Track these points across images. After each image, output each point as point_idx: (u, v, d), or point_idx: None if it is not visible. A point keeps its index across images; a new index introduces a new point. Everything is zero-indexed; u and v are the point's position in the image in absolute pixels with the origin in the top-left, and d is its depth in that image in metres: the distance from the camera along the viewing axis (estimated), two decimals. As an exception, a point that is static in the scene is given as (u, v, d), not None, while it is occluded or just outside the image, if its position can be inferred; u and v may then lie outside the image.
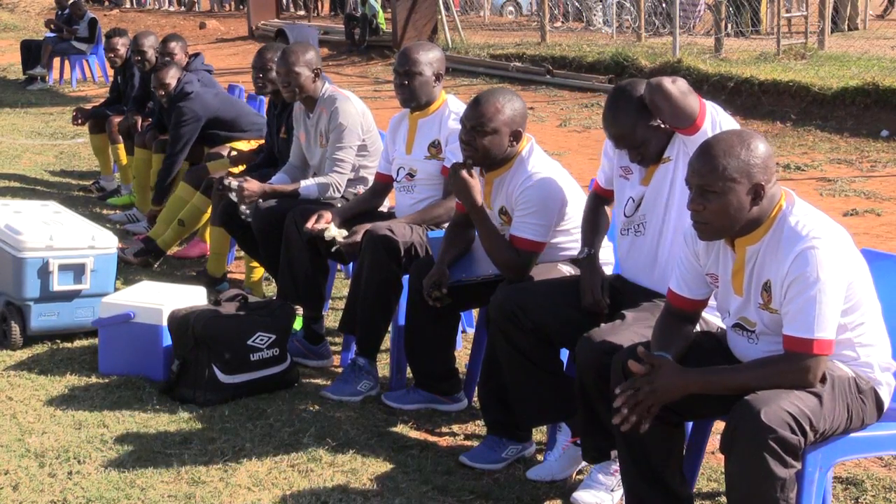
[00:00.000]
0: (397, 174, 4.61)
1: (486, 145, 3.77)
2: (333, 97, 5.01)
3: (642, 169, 3.51)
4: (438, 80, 4.49)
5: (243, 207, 4.97)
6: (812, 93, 10.59)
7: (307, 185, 4.94)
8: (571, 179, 3.94)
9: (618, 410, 2.91)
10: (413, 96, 4.46)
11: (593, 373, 3.22)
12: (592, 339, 3.25)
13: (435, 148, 4.47)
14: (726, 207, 2.84)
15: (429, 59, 4.44)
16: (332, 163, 4.95)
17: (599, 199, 3.77)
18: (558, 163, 3.95)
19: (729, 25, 14.94)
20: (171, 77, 6.61)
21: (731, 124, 3.27)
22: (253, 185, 4.98)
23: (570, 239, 3.88)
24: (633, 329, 3.26)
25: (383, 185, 4.76)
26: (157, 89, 6.65)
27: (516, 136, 3.81)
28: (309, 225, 4.47)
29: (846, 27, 16.89)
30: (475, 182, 3.77)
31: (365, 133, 5.02)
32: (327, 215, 4.51)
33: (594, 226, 3.73)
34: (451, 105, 4.51)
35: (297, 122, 5.26)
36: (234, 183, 5.00)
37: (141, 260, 6.21)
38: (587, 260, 3.64)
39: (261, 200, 4.93)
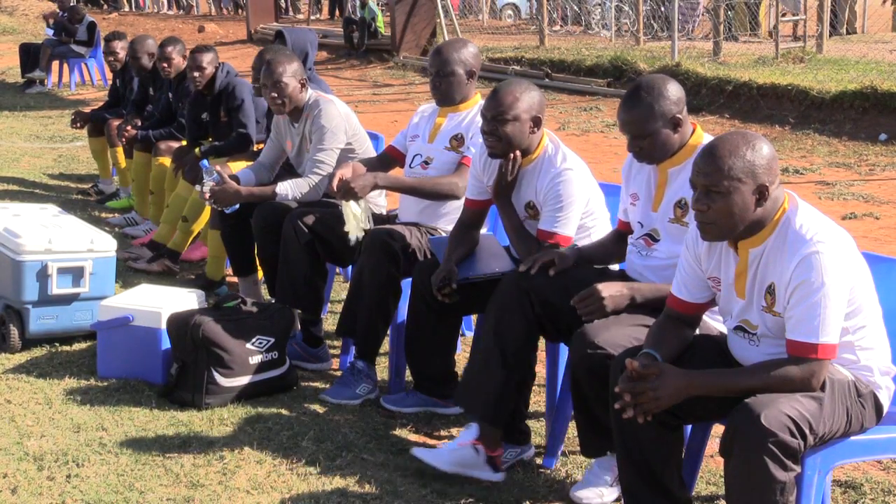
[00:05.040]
0: (412, 161, 4.60)
1: (508, 133, 3.81)
2: (317, 101, 4.97)
3: (650, 196, 3.52)
4: (472, 78, 4.50)
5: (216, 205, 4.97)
6: (810, 96, 10.60)
7: (283, 187, 4.87)
8: (591, 176, 3.98)
9: (618, 399, 2.91)
10: (446, 97, 4.47)
11: (586, 368, 3.23)
12: (586, 335, 3.25)
13: (457, 141, 4.48)
14: (731, 207, 2.84)
15: (462, 57, 4.44)
16: (312, 164, 4.90)
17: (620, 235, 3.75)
18: (580, 158, 3.98)
19: (732, 27, 14.96)
20: (208, 62, 6.28)
21: None
22: (226, 190, 4.91)
23: (582, 236, 3.90)
24: (627, 325, 3.27)
25: (392, 158, 4.72)
26: (191, 70, 6.30)
27: (536, 123, 3.85)
28: (336, 181, 4.35)
29: (845, 31, 16.91)
30: (513, 179, 3.85)
31: (350, 136, 4.98)
32: (348, 171, 4.40)
33: (599, 249, 3.75)
34: None
35: (281, 132, 5.21)
36: (206, 186, 4.92)
37: (160, 265, 6.19)
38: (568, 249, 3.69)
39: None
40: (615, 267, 3.80)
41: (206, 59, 6.29)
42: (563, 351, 3.77)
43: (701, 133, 3.47)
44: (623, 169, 3.71)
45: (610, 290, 3.36)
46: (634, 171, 3.62)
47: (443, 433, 4.08)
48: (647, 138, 3.37)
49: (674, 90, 3.38)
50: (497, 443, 3.65)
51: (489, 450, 3.62)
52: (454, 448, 3.65)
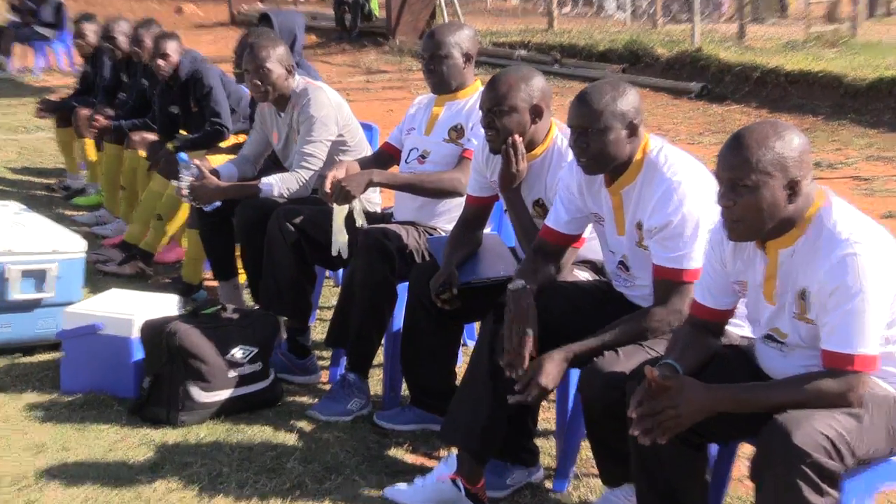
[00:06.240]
0: (408, 156, 4.59)
1: (506, 125, 3.80)
2: (306, 89, 4.98)
3: (612, 219, 3.50)
4: (469, 62, 4.49)
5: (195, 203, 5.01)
6: (845, 84, 10.62)
7: (268, 182, 4.86)
8: None
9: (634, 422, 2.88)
10: (442, 82, 4.46)
11: (599, 404, 3.22)
12: (598, 369, 3.22)
13: (456, 132, 4.48)
14: (759, 203, 2.82)
15: (457, 39, 4.43)
16: (301, 157, 4.90)
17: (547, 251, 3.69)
18: None
19: (758, 8, 14.99)
20: (173, 50, 6.37)
21: None
22: (206, 186, 4.92)
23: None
24: (638, 356, 3.23)
25: (389, 155, 4.72)
26: (154, 58, 6.38)
27: (537, 113, 3.83)
28: (329, 184, 4.34)
29: (885, 11, 16.92)
30: (524, 166, 3.83)
31: (342, 127, 4.99)
32: (341, 171, 4.40)
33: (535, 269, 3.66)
34: None
35: (266, 122, 5.23)
36: (185, 182, 4.93)
37: (132, 267, 6.20)
38: (520, 293, 3.50)
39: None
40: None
41: (171, 46, 6.37)
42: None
43: (648, 144, 3.42)
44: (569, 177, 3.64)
45: (545, 369, 3.30)
46: (587, 188, 3.57)
47: (442, 453, 4.06)
48: (599, 134, 3.34)
49: (636, 97, 3.40)
50: (479, 475, 3.60)
51: (470, 484, 3.57)
52: (432, 483, 3.61)
